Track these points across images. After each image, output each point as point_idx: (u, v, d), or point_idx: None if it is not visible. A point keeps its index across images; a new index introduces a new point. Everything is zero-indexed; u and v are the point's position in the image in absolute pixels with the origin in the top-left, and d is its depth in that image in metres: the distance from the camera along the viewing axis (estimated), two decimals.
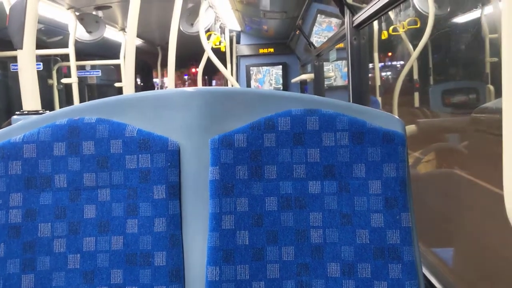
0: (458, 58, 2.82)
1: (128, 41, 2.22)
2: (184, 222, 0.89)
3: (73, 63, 3.82)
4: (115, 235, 0.87)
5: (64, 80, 4.26)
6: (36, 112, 1.35)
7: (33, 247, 0.86)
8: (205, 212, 0.88)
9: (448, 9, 2.87)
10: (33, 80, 1.37)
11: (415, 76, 3.34)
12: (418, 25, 3.01)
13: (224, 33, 5.34)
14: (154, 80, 9.55)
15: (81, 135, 0.88)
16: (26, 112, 1.35)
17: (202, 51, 4.23)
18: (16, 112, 1.34)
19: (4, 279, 0.85)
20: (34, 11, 1.32)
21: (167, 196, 0.87)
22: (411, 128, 2.36)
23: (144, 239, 0.86)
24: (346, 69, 4.73)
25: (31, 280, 0.86)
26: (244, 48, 6.52)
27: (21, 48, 1.31)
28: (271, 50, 6.48)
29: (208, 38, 4.29)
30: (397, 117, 0.91)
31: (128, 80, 2.26)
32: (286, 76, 6.53)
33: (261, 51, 6.48)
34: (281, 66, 6.54)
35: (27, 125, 0.90)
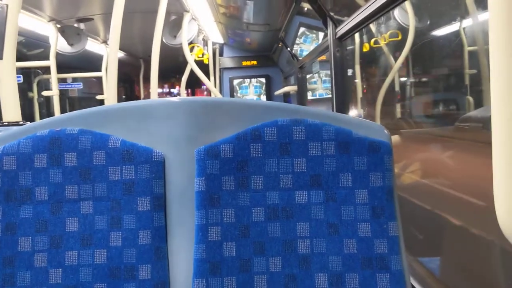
0: (438, 70, 2.86)
1: (111, 53, 2.20)
2: (169, 234, 0.87)
3: (54, 75, 3.77)
4: (98, 249, 0.84)
5: (45, 93, 4.20)
6: (16, 123, 1.32)
7: (13, 262, 0.84)
8: (191, 224, 0.86)
9: (428, 22, 2.93)
10: (13, 90, 1.35)
11: (397, 88, 3.38)
12: (400, 38, 3.06)
13: (207, 45, 5.36)
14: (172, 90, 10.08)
15: (62, 147, 0.86)
16: (6, 123, 1.32)
17: (185, 63, 4.23)
18: None
19: None
20: (15, 21, 1.30)
21: (151, 208, 0.85)
22: (394, 138, 2.39)
23: (128, 252, 0.84)
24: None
25: None
26: (227, 61, 6.54)
27: (1, 58, 1.29)
28: (254, 62, 6.52)
29: (191, 50, 4.30)
30: (382, 126, 0.91)
31: (110, 92, 2.23)
32: (269, 88, 6.56)
33: (244, 63, 6.52)
34: (262, 79, 6.59)
35: (7, 137, 0.88)
